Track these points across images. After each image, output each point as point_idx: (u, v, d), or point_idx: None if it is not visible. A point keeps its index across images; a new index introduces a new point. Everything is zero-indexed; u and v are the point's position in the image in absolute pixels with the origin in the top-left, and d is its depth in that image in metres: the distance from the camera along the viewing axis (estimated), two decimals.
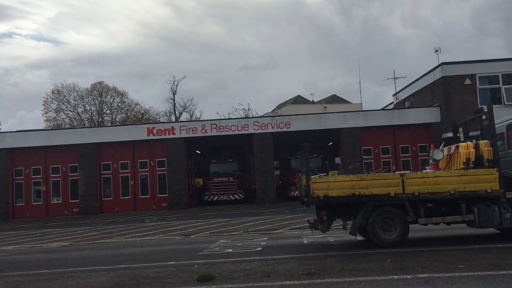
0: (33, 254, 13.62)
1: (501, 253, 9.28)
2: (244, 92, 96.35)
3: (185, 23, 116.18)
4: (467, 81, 26.18)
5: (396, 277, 7.77)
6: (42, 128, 49.23)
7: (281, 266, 9.17)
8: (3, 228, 22.58)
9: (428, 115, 27.39)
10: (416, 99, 31.17)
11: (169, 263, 10.37)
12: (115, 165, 28.32)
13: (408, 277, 7.72)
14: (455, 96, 26.26)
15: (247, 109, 55.13)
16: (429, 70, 28.59)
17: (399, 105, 34.35)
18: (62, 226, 21.73)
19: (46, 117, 56.07)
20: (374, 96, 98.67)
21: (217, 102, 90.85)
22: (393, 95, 37.25)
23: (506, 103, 25.88)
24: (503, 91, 26.07)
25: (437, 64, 27.48)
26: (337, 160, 33.13)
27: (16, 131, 30.67)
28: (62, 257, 12.71)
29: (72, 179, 28.19)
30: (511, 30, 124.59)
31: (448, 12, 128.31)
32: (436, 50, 33.47)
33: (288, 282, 7.86)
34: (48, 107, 56.00)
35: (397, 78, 39.79)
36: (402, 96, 34.33)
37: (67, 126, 52.86)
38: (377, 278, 7.76)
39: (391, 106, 37.75)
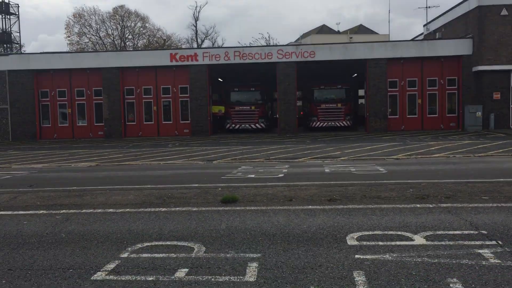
0: (62, 172, 14.10)
1: None
2: (266, 20, 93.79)
3: None
4: (504, 12, 24.89)
5: (418, 205, 7.82)
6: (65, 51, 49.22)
7: (303, 192, 9.30)
8: (31, 147, 23.32)
9: (459, 47, 26.38)
10: (448, 30, 29.91)
11: (193, 185, 10.62)
12: (138, 90, 28.45)
13: (430, 206, 7.76)
14: (489, 27, 25.10)
15: (267, 38, 53.91)
16: None
17: (430, 36, 33.07)
18: (88, 148, 22.31)
19: (69, 40, 56.01)
20: (401, 27, 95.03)
21: (238, 30, 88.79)
22: (424, 25, 35.77)
23: None
24: None
25: None
26: (361, 92, 32.67)
27: (41, 53, 30.85)
28: (90, 176, 13.13)
29: (97, 102, 28.57)
30: None
31: None
32: None
33: (310, 206, 7.99)
34: (70, 30, 55.75)
35: (429, 7, 37.97)
36: (433, 26, 32.95)
37: (90, 50, 52.74)
38: (399, 206, 7.83)
39: (420, 38, 36.39)
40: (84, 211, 8.17)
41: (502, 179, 10.18)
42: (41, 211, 8.25)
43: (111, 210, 8.18)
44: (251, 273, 4.93)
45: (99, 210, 8.18)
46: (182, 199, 8.94)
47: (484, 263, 5.01)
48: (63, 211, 8.21)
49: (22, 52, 50.13)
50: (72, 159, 17.45)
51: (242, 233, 6.46)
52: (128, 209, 8.20)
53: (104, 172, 13.86)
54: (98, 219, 7.54)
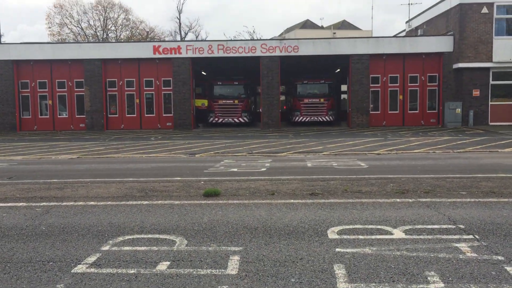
0: (42, 164, 13.93)
1: (502, 182, 9.42)
2: (249, 14, 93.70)
3: None
4: (484, 10, 25.26)
5: (398, 200, 7.94)
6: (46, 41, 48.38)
7: (285, 186, 9.36)
8: (11, 139, 22.94)
9: (440, 44, 26.72)
10: (430, 27, 30.27)
11: (176, 178, 10.60)
12: (121, 82, 28.18)
13: (410, 200, 7.89)
14: (470, 25, 25.47)
15: (252, 32, 53.84)
16: None
17: (412, 33, 33.42)
18: (69, 140, 22.05)
19: (50, 31, 55.11)
20: (384, 23, 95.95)
21: (221, 24, 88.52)
22: (406, 22, 36.10)
23: None
24: None
25: None
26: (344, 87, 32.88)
27: (21, 43, 30.26)
28: (71, 168, 13.00)
29: (78, 94, 28.20)
30: None
31: None
32: None
33: (292, 200, 8.05)
34: (51, 21, 54.84)
35: (411, 4, 38.31)
36: (415, 23, 33.28)
37: (71, 41, 51.97)
38: (380, 200, 7.94)
39: (402, 34, 36.75)
40: (64, 203, 8.10)
41: (479, 175, 10.39)
42: (21, 204, 8.15)
43: (92, 203, 8.13)
44: (233, 266, 4.97)
45: (80, 203, 8.12)
46: (164, 192, 8.93)
47: (461, 257, 5.13)
48: (43, 203, 8.13)
49: (1, 42, 49.14)
50: (53, 151, 17.23)
51: (224, 226, 6.49)
52: (109, 202, 8.16)
53: (85, 164, 13.73)
54: (79, 212, 7.49)
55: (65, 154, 16.30)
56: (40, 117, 28.45)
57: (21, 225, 6.74)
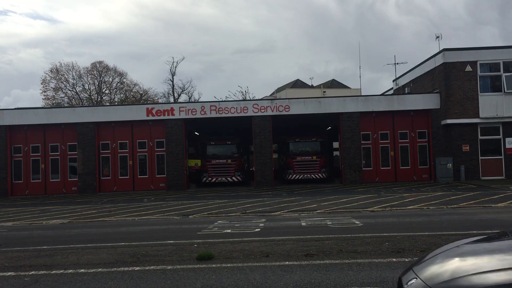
0: (33, 230, 13.69)
1: None
2: (240, 75, 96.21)
3: (180, 4, 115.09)
4: (468, 68, 26.13)
5: (394, 259, 7.85)
6: (40, 106, 49.06)
7: (280, 247, 9.24)
8: (2, 204, 22.65)
9: (428, 101, 27.38)
10: (417, 85, 31.13)
11: (168, 241, 10.45)
12: (114, 144, 28.33)
13: (406, 260, 7.80)
14: (455, 82, 26.24)
15: (244, 92, 55.01)
16: (430, 56, 28.56)
17: (399, 91, 34.32)
18: (61, 204, 21.81)
19: (44, 95, 55.93)
20: (371, 81, 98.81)
21: (213, 85, 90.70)
22: (393, 80, 37.17)
23: (506, 90, 25.89)
24: (504, 79, 26.03)
25: (434, 50, 27.65)
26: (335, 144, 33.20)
27: (16, 109, 30.60)
28: (62, 234, 12.78)
29: (71, 157, 28.22)
30: (505, 18, 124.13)
31: (443, 0, 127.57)
32: (437, 37, 33.38)
33: (287, 262, 7.93)
34: (46, 85, 55.79)
35: (397, 63, 39.64)
36: (402, 81, 34.28)
37: (65, 105, 52.65)
38: (376, 260, 7.84)
39: (390, 92, 37.72)
40: (54, 272, 7.91)
41: (474, 231, 10.34)
42: (9, 273, 7.95)
43: (82, 270, 7.95)
44: None
45: (70, 271, 7.93)
46: (156, 257, 8.77)
47: None
48: (32, 272, 7.94)
49: None
50: (44, 216, 17.00)
51: None
52: (100, 269, 7.98)
53: (77, 229, 13.52)
54: (69, 280, 7.30)
55: (56, 219, 16.08)
56: (32, 181, 28.28)
57: None
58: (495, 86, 26.37)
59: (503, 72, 26.09)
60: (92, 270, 7.90)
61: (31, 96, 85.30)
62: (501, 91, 26.07)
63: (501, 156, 26.34)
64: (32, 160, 28.38)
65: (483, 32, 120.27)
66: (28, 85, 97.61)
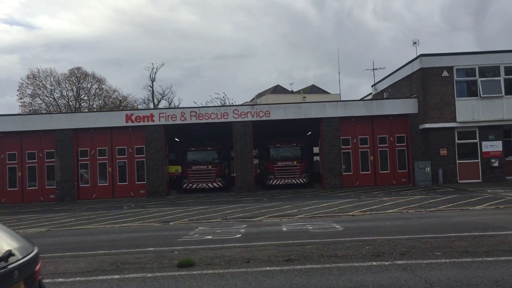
0: None
1: (475, 241, 9.52)
2: (220, 81, 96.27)
3: (159, 10, 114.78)
4: (445, 73, 26.60)
5: (375, 263, 7.90)
6: (17, 113, 48.19)
7: (261, 252, 9.22)
8: None
9: (406, 106, 27.77)
10: (395, 90, 31.54)
11: (148, 249, 10.33)
12: (93, 151, 27.97)
13: (386, 263, 7.86)
14: (432, 87, 26.67)
15: (223, 98, 54.85)
16: (407, 61, 28.97)
17: (378, 96, 34.71)
18: (39, 212, 21.40)
19: (21, 102, 54.89)
20: (350, 87, 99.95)
21: (193, 91, 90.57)
22: (372, 85, 37.61)
23: (482, 95, 26.40)
24: (479, 84, 26.55)
25: (411, 56, 28.07)
26: (316, 149, 33.37)
27: None
28: (39, 243, 12.41)
29: (49, 165, 27.76)
30: (480, 25, 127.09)
31: (419, 6, 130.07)
32: (414, 43, 34.01)
33: (268, 268, 7.91)
34: (23, 92, 54.79)
35: (376, 69, 40.14)
36: (381, 87, 34.69)
37: (43, 111, 51.79)
38: (356, 264, 7.88)
39: (369, 97, 38.14)
40: None
41: (452, 234, 10.49)
42: None
43: (60, 279, 7.80)
44: None
45: (47, 280, 7.76)
46: (136, 264, 8.66)
47: None
48: None
49: None
50: (21, 225, 16.63)
51: None
52: (78, 278, 7.84)
53: (55, 238, 13.27)
54: None
55: (33, 228, 15.76)
56: (8, 189, 27.71)
57: None
58: (471, 91, 26.88)
59: (479, 77, 26.62)
60: (70, 279, 7.76)
61: (7, 103, 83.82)
62: (477, 96, 26.58)
63: (478, 159, 26.82)
64: (8, 168, 27.83)
65: (458, 38, 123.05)
66: (4, 92, 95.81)
